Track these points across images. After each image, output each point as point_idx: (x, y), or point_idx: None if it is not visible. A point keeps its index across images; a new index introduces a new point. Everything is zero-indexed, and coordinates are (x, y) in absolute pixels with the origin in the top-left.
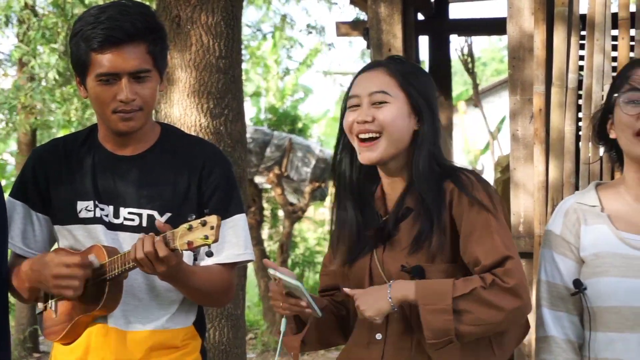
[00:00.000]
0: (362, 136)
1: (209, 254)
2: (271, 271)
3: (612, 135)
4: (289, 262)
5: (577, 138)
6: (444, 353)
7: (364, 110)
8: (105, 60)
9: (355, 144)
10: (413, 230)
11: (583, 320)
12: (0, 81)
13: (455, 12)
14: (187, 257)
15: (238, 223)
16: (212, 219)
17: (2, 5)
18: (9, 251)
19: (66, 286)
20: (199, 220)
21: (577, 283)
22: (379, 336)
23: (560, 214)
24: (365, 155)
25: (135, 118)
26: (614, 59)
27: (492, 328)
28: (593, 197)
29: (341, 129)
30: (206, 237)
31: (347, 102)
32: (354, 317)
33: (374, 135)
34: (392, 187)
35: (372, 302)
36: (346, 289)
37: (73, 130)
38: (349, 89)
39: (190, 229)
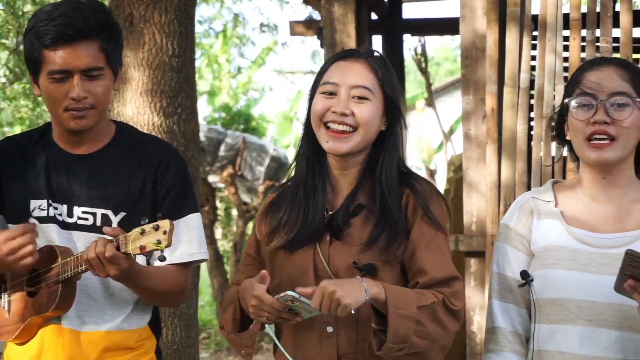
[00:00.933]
0: (335, 127)
1: (162, 259)
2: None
3: (569, 137)
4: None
5: (530, 138)
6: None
7: (342, 101)
8: (57, 58)
9: (321, 131)
10: (365, 227)
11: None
12: None
13: (409, 12)
14: (141, 258)
15: (192, 223)
16: (165, 224)
17: None
18: None
19: (22, 256)
20: (151, 225)
21: (524, 274)
22: (330, 329)
23: (516, 208)
24: (335, 146)
25: (87, 116)
26: (566, 59)
27: (432, 345)
28: (549, 194)
29: (307, 114)
30: (159, 242)
31: (320, 87)
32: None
33: (347, 129)
34: (342, 181)
35: (351, 290)
36: (305, 289)
37: (25, 128)
38: (323, 73)
39: (142, 233)
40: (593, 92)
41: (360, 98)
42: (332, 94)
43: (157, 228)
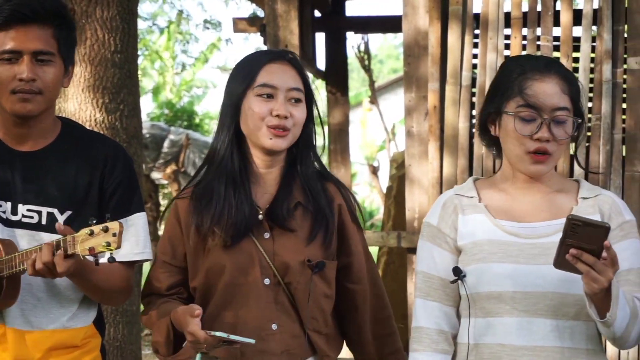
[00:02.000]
0: (277, 128)
1: (112, 260)
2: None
3: (494, 133)
4: None
5: (471, 135)
6: (328, 343)
7: (281, 104)
8: (9, 38)
9: (262, 130)
10: (304, 223)
11: (460, 309)
12: None
13: (352, 9)
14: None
15: (137, 222)
16: (114, 226)
17: None
18: None
19: None
20: (100, 226)
21: (457, 270)
22: (274, 327)
23: (438, 205)
24: (276, 143)
25: (33, 101)
26: (507, 57)
27: None
28: (471, 190)
29: (234, 112)
30: (108, 244)
31: (257, 89)
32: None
33: (285, 129)
34: (267, 178)
35: None
36: None
37: None
38: (255, 75)
39: (91, 234)
40: (537, 107)
41: (296, 100)
42: (270, 96)
43: (106, 230)
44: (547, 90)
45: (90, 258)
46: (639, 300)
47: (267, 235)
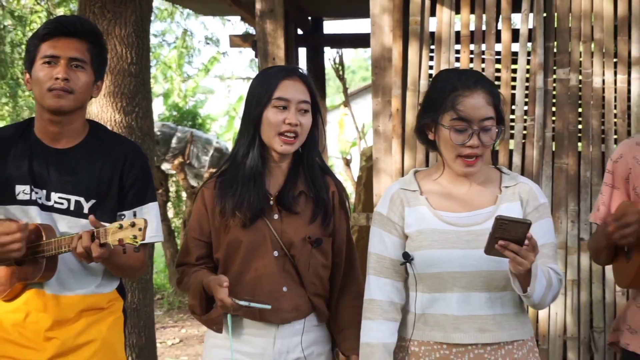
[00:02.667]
0: (288, 135)
1: (137, 250)
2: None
3: (431, 138)
4: None
5: None
6: (325, 304)
7: (293, 114)
8: (51, 46)
9: (275, 137)
10: (306, 208)
11: (407, 283)
12: None
13: (329, 28)
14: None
15: (151, 210)
16: (140, 222)
17: None
18: None
19: (11, 250)
20: (128, 222)
21: (406, 255)
22: (285, 289)
23: (387, 198)
24: (287, 148)
25: (65, 98)
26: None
27: None
28: (413, 184)
29: (255, 121)
30: (135, 237)
31: (274, 102)
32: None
33: (295, 135)
34: (277, 172)
35: None
36: None
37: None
38: (273, 89)
39: (120, 228)
40: (468, 119)
41: (305, 111)
42: (284, 107)
43: (133, 225)
44: (475, 104)
45: (120, 248)
46: (553, 271)
47: (276, 216)
